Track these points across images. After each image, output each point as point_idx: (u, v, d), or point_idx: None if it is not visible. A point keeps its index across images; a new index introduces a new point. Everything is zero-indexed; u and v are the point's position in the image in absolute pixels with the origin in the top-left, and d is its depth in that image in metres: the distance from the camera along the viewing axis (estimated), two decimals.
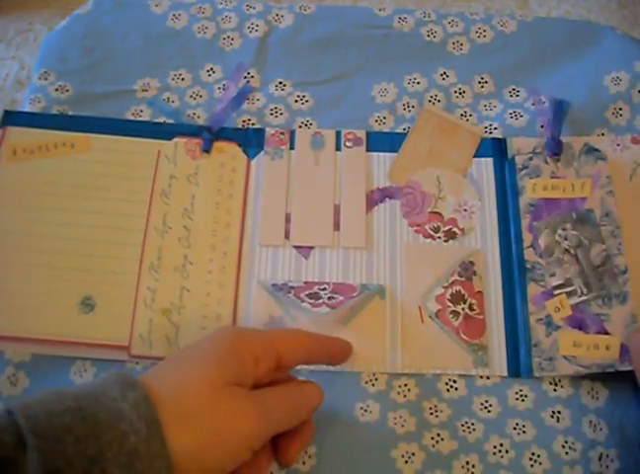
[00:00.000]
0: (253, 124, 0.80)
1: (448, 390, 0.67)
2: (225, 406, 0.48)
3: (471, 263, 0.72)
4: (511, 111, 0.81)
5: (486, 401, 0.67)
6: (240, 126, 0.80)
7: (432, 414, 0.66)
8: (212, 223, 0.74)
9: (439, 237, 0.74)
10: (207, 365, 0.50)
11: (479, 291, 0.71)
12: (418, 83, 0.83)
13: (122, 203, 0.74)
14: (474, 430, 0.65)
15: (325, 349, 0.61)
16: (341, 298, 0.67)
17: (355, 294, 0.68)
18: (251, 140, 0.79)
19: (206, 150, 0.77)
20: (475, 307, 0.70)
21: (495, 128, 0.80)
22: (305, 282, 0.71)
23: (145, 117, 0.80)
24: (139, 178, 0.75)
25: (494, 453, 0.64)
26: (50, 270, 0.70)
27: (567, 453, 0.64)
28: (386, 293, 0.71)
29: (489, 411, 0.66)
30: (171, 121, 0.79)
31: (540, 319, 0.69)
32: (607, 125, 0.80)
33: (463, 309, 0.70)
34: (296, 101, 0.82)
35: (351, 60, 0.84)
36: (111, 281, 0.71)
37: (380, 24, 0.86)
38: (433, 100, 0.82)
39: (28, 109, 0.79)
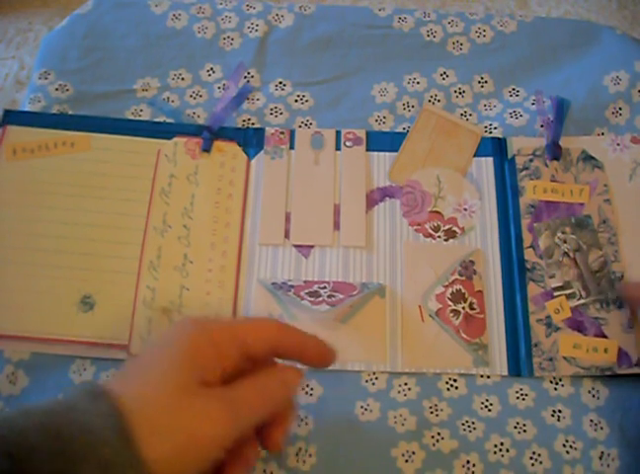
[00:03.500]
0: (253, 124, 0.80)
1: (449, 389, 0.67)
2: (192, 410, 0.47)
3: (471, 262, 0.72)
4: (510, 110, 0.81)
5: (486, 400, 0.67)
6: (240, 126, 0.80)
7: (432, 413, 0.66)
8: (212, 222, 0.74)
9: (439, 236, 0.74)
10: (169, 368, 0.48)
11: (479, 290, 0.71)
12: (418, 83, 0.83)
13: (122, 202, 0.74)
14: (475, 429, 0.65)
15: (297, 343, 0.56)
16: (341, 296, 0.67)
17: (355, 293, 0.68)
18: (251, 140, 0.79)
19: (206, 150, 0.77)
20: (475, 306, 0.70)
21: (495, 128, 0.80)
22: (305, 281, 0.71)
23: (145, 116, 0.80)
24: (139, 177, 0.75)
25: (494, 452, 0.64)
26: (50, 269, 0.70)
27: (568, 452, 0.64)
28: (386, 292, 0.71)
29: (489, 410, 0.66)
30: (171, 121, 0.79)
31: (540, 319, 0.69)
32: (607, 125, 0.80)
33: (464, 308, 0.70)
34: (296, 100, 0.82)
35: (351, 60, 0.85)
36: (110, 280, 0.70)
37: (380, 24, 0.87)
38: (433, 100, 0.82)
39: (28, 108, 0.79)
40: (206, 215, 0.74)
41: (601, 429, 0.65)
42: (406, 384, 0.67)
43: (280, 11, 0.87)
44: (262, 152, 0.78)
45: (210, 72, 0.83)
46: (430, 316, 0.70)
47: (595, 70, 0.82)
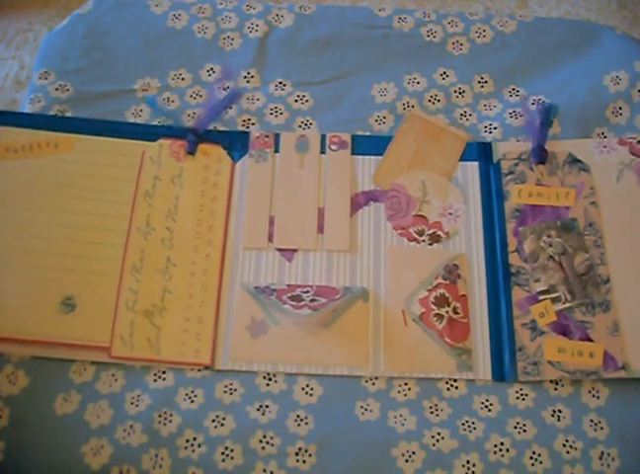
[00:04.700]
0: (253, 124, 0.80)
1: (449, 389, 0.67)
2: None
3: (455, 266, 0.72)
4: (510, 110, 0.81)
5: (486, 400, 0.67)
6: (240, 126, 0.80)
7: (432, 413, 0.66)
8: (196, 225, 0.73)
9: (423, 240, 0.74)
10: None
11: (463, 295, 0.71)
12: (418, 83, 0.83)
13: (106, 204, 0.73)
14: (475, 429, 0.65)
15: None
16: (323, 300, 0.67)
17: (337, 297, 0.68)
18: (236, 143, 0.78)
19: (191, 152, 0.77)
20: (459, 310, 0.70)
21: (495, 128, 0.80)
22: (288, 285, 0.70)
23: (145, 116, 0.80)
24: (123, 179, 0.75)
25: (494, 452, 0.64)
26: (31, 269, 0.70)
27: (568, 452, 0.64)
28: (370, 296, 0.70)
29: (489, 410, 0.66)
30: (169, 121, 0.79)
31: (525, 323, 0.69)
32: (607, 124, 0.80)
33: (447, 312, 0.70)
34: (296, 100, 0.82)
35: (351, 60, 0.85)
36: (92, 282, 0.70)
37: (380, 24, 0.87)
38: (433, 99, 0.82)
39: (28, 108, 0.79)
40: (190, 218, 0.73)
41: (602, 428, 0.65)
42: (406, 384, 0.67)
43: (280, 11, 0.87)
44: (247, 155, 0.77)
45: (210, 72, 0.83)
46: (413, 320, 0.69)
47: (595, 70, 0.83)
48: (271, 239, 0.73)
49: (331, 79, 0.84)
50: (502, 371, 0.67)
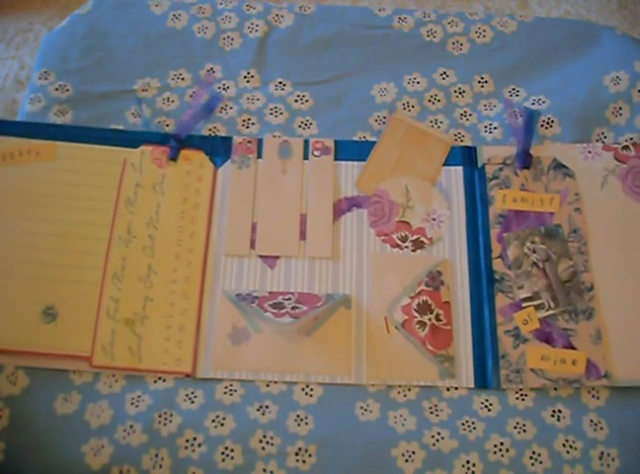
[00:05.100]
0: (253, 124, 0.80)
1: (449, 389, 0.67)
2: None
3: (439, 273, 0.72)
4: (510, 110, 0.81)
5: (486, 400, 0.67)
6: (240, 126, 0.80)
7: (432, 413, 0.66)
8: (177, 232, 0.73)
9: (406, 247, 0.73)
10: None
11: (446, 302, 0.70)
12: (418, 83, 0.83)
13: (87, 212, 0.73)
14: (474, 429, 0.65)
15: None
16: (305, 308, 0.67)
17: (319, 304, 0.67)
18: (218, 148, 0.78)
19: (173, 158, 0.76)
20: (442, 318, 0.70)
21: (495, 128, 0.80)
22: (270, 292, 0.70)
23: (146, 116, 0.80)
24: (104, 186, 0.74)
25: (494, 452, 0.64)
26: (11, 278, 0.69)
27: (568, 452, 0.64)
28: (352, 303, 0.70)
29: (489, 410, 0.66)
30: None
31: (508, 331, 0.69)
32: (608, 125, 0.80)
33: (430, 320, 0.69)
34: (296, 100, 0.82)
35: (351, 60, 0.85)
36: (73, 291, 0.69)
37: (380, 24, 0.87)
38: (433, 99, 0.82)
39: (28, 108, 0.79)
40: (172, 225, 0.73)
41: (601, 429, 0.65)
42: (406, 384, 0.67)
43: (280, 11, 0.87)
44: (229, 161, 0.77)
45: (210, 72, 0.83)
46: (395, 328, 0.69)
47: (595, 70, 0.82)
48: (253, 246, 0.73)
49: (331, 79, 0.83)
50: (484, 379, 0.67)
